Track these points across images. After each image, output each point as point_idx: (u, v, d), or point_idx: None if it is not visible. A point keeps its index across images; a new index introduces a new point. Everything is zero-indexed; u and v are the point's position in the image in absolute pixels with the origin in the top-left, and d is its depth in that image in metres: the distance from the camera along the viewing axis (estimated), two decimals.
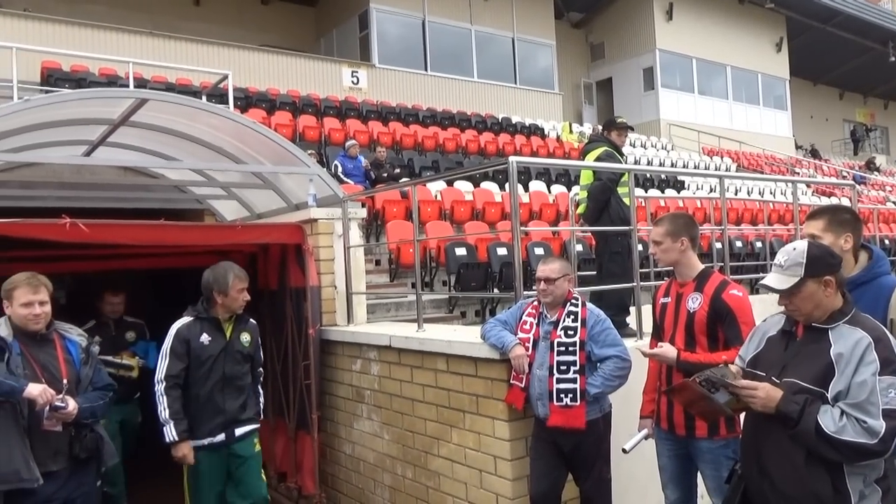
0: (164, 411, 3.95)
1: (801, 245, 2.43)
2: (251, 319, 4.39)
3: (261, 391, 4.50)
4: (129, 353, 5.48)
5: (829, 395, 2.26)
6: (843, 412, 2.22)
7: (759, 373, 2.46)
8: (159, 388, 3.97)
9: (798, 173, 23.02)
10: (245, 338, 4.26)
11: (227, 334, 4.19)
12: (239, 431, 4.19)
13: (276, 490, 5.63)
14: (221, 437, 4.13)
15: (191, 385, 4.06)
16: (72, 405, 3.22)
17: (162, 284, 7.69)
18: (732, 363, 2.67)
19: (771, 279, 2.44)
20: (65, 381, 3.31)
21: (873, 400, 2.18)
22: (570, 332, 3.51)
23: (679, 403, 2.91)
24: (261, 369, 4.50)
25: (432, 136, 15.60)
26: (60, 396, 3.19)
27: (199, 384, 4.06)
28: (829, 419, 2.21)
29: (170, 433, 3.93)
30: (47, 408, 3.14)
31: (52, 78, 12.69)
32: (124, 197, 6.57)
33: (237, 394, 4.19)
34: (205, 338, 4.09)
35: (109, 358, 5.25)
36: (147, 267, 5.99)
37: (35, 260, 4.50)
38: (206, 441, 4.08)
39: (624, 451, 3.43)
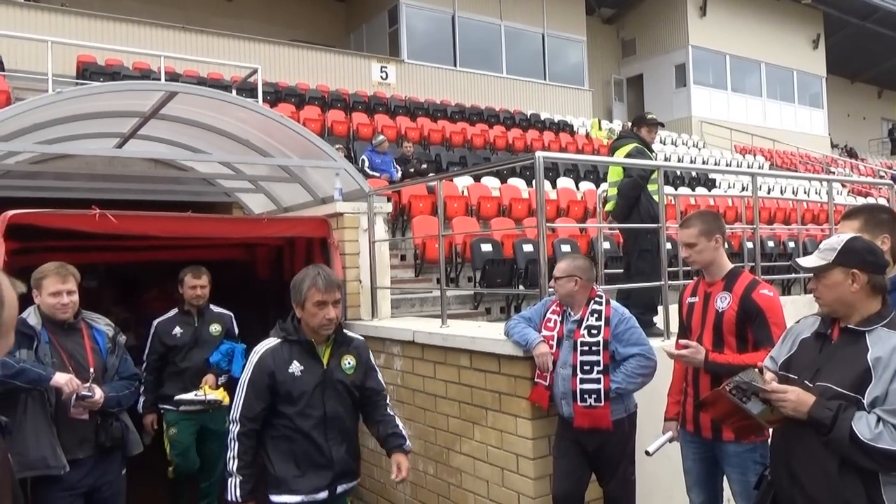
0: (231, 461, 2.99)
1: (846, 236, 2.37)
2: (358, 337, 3.28)
3: (394, 414, 3.33)
4: (212, 375, 4.70)
5: (866, 402, 2.15)
6: (879, 419, 2.12)
7: (791, 376, 2.38)
8: (233, 430, 2.99)
9: (833, 172, 22.52)
10: (348, 363, 3.12)
11: (324, 361, 3.07)
12: (340, 488, 3.13)
13: None
14: (324, 494, 3.06)
15: (285, 426, 3.01)
16: (98, 394, 3.26)
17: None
18: (762, 365, 2.57)
19: (804, 258, 2.41)
20: (91, 370, 3.35)
21: None
22: (594, 332, 3.46)
23: (713, 418, 2.79)
24: (384, 393, 3.33)
25: (460, 131, 15.56)
26: (87, 385, 3.23)
27: (296, 425, 3.01)
28: (864, 426, 2.11)
29: (233, 491, 2.98)
30: (74, 396, 3.18)
31: (88, 72, 12.90)
32: (155, 189, 6.66)
33: (341, 438, 3.09)
34: (295, 367, 3.01)
35: (189, 397, 4.58)
36: (175, 259, 6.04)
37: (66, 250, 4.57)
38: (305, 498, 3.02)
39: (647, 453, 3.37)
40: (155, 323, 4.81)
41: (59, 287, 3.30)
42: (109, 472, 3.44)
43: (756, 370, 2.42)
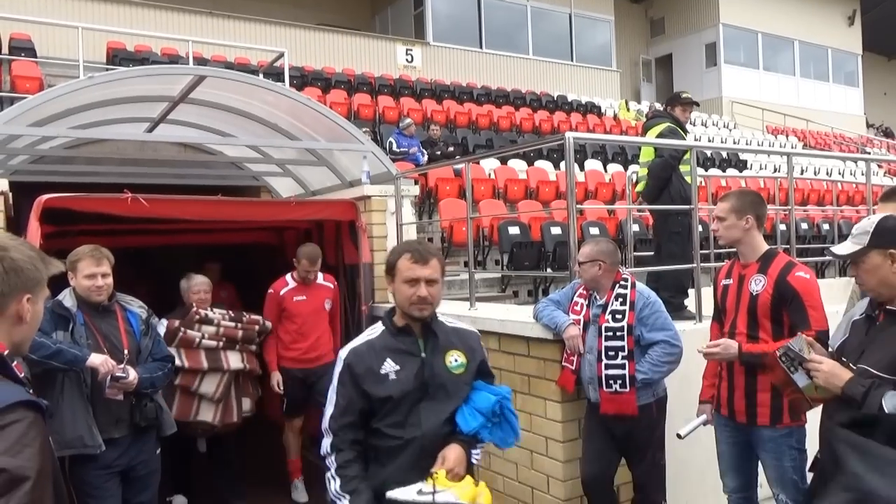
0: None
1: (878, 217, 2.32)
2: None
3: None
4: (455, 448, 2.38)
5: None
6: None
7: (843, 360, 2.33)
8: None
9: (868, 153, 21.98)
10: None
11: None
12: None
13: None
14: None
15: None
16: (132, 375, 3.30)
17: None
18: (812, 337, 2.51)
19: (837, 246, 2.37)
20: (125, 351, 3.40)
21: None
22: (618, 317, 3.42)
23: (773, 382, 2.71)
24: None
25: (486, 114, 15.46)
26: (122, 367, 3.28)
27: None
28: (892, 402, 2.07)
29: None
30: (108, 377, 3.23)
31: (117, 58, 13.03)
32: (184, 173, 6.72)
33: None
34: None
35: (411, 496, 2.29)
36: (205, 242, 6.10)
37: (99, 233, 4.64)
38: None
39: (679, 436, 3.33)
40: (345, 353, 2.49)
41: (93, 270, 3.35)
42: (145, 451, 3.50)
43: (805, 339, 2.38)
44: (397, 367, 2.41)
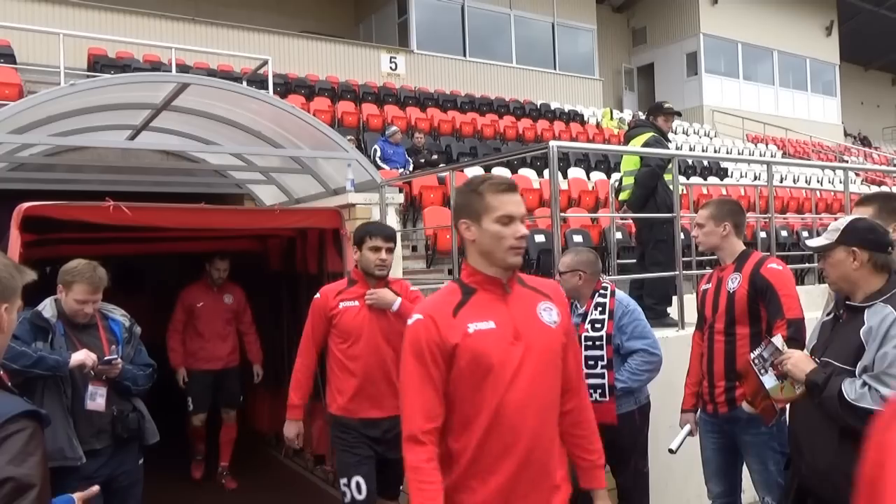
0: None
1: (850, 217, 2.52)
2: None
3: None
4: None
5: (857, 371, 2.28)
6: (864, 382, 2.24)
7: (811, 356, 2.51)
8: None
9: (847, 161, 22.30)
10: None
11: None
12: None
13: (313, 473, 5.69)
14: None
15: None
16: (118, 360, 3.29)
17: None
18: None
19: (812, 239, 2.55)
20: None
21: (891, 371, 2.18)
22: (598, 326, 3.44)
23: (745, 394, 2.87)
24: None
25: (470, 122, 15.51)
26: (112, 348, 3.29)
27: None
28: (850, 387, 2.25)
29: None
30: (96, 364, 3.20)
31: (98, 64, 12.92)
32: (167, 181, 6.66)
33: None
34: None
35: None
36: (188, 251, 6.05)
37: (81, 242, 4.59)
38: None
39: (671, 451, 3.34)
40: None
41: (87, 297, 3.27)
42: (127, 461, 3.45)
43: (777, 343, 2.58)
44: None
